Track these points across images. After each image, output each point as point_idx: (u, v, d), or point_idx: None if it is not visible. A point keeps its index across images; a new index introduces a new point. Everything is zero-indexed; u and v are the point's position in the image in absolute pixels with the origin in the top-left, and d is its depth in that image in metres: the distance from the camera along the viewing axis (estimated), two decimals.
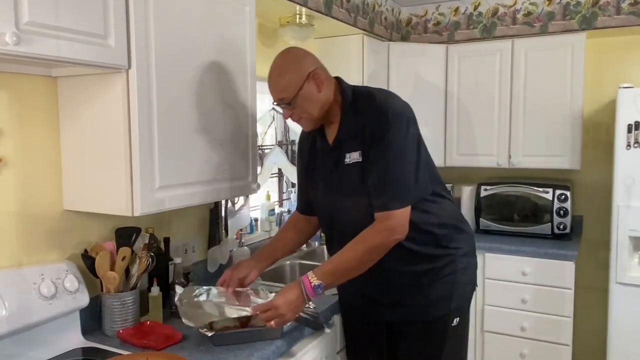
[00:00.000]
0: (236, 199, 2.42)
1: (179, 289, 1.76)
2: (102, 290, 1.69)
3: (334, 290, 1.93)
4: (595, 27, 3.06)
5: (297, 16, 2.61)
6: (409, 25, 3.67)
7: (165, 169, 1.59)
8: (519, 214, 3.20)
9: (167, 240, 1.99)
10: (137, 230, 1.76)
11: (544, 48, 3.08)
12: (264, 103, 2.59)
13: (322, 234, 2.58)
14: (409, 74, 3.28)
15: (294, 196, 3.02)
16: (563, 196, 3.05)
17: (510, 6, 3.31)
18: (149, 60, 1.51)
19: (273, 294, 1.67)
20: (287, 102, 1.63)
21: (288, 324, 1.63)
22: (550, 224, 3.08)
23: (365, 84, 2.97)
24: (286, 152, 2.99)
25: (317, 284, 1.56)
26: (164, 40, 1.56)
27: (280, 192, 3.15)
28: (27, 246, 1.58)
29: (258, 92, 2.00)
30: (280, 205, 3.09)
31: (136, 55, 1.47)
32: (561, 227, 3.05)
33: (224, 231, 2.33)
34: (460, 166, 3.42)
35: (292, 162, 2.98)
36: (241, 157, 1.93)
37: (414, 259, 1.69)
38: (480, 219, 3.26)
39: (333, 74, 1.75)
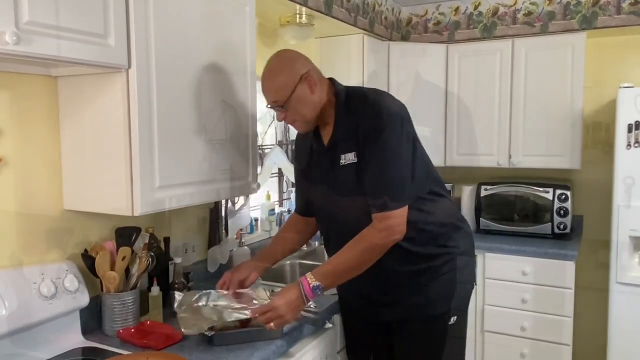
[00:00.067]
0: (236, 199, 2.41)
1: (178, 295, 1.75)
2: (102, 290, 1.69)
3: (334, 290, 1.93)
4: (595, 27, 3.06)
5: (297, 16, 2.61)
6: (409, 25, 3.67)
7: (165, 169, 1.59)
8: (519, 214, 3.19)
9: (167, 240, 1.98)
10: (137, 230, 1.75)
11: (544, 48, 3.07)
12: (264, 103, 2.58)
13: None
14: (409, 73, 3.28)
15: (293, 196, 3.01)
16: (563, 196, 3.05)
17: (511, 6, 3.31)
18: (149, 60, 1.51)
19: (276, 290, 1.67)
20: (281, 105, 1.63)
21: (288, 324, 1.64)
22: (550, 223, 3.08)
23: (365, 84, 2.98)
24: (286, 152, 2.98)
25: (316, 285, 1.56)
26: (164, 39, 1.56)
27: (281, 191, 3.15)
28: (27, 246, 1.58)
29: (258, 92, 2.00)
30: (281, 205, 3.09)
31: (136, 55, 1.47)
32: (561, 226, 3.05)
33: (224, 231, 2.33)
34: (460, 166, 3.42)
35: (292, 162, 2.97)
36: (241, 156, 1.93)
37: (412, 258, 1.68)
38: (481, 218, 3.26)
39: (333, 74, 1.75)
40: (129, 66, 1.47)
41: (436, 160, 1.84)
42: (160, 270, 1.87)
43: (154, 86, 1.53)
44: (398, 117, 1.60)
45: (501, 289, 3.00)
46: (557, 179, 3.24)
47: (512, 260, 2.96)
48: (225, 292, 1.75)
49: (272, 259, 1.90)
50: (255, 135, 2.02)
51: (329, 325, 1.80)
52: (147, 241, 1.85)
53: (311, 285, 1.56)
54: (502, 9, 3.34)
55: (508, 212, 3.22)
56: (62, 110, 1.63)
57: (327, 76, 1.74)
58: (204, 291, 1.75)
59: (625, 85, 2.68)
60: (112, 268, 1.66)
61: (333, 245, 1.72)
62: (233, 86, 1.86)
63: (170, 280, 1.93)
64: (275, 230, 2.79)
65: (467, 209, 3.33)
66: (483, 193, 3.26)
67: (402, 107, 1.65)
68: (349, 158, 1.64)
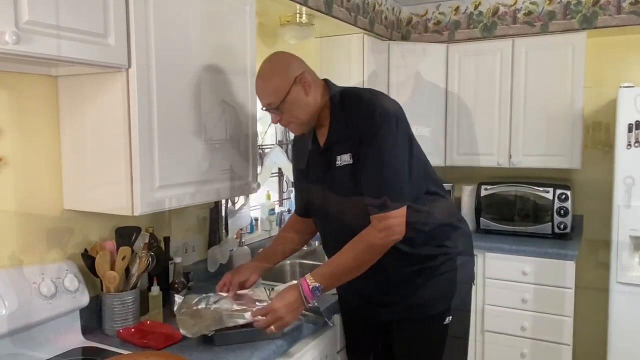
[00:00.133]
0: (236, 199, 2.41)
1: (178, 298, 1.75)
2: (102, 290, 1.69)
3: (334, 290, 1.93)
4: (595, 27, 3.06)
5: (298, 15, 2.61)
6: (410, 25, 3.66)
7: (166, 169, 1.59)
8: (519, 214, 3.19)
9: (167, 240, 1.98)
10: (137, 230, 1.75)
11: (545, 47, 3.07)
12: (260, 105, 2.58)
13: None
14: (410, 73, 3.28)
15: (293, 195, 3.01)
16: (563, 196, 3.05)
17: (511, 5, 3.31)
18: (149, 60, 1.51)
19: (276, 288, 1.66)
20: (275, 107, 1.62)
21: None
22: (550, 223, 3.08)
23: (365, 84, 2.98)
24: (286, 152, 2.98)
25: (315, 286, 1.55)
26: (164, 39, 1.56)
27: (281, 191, 3.15)
28: (27, 246, 1.58)
29: None
30: (281, 204, 3.09)
31: (136, 55, 1.47)
32: (561, 226, 3.05)
33: (224, 231, 2.33)
34: (460, 166, 3.41)
35: (291, 163, 2.97)
36: (241, 156, 1.93)
37: (410, 258, 1.68)
38: (481, 218, 3.26)
39: (333, 74, 1.74)
40: (129, 66, 1.47)
41: (436, 160, 1.84)
42: (160, 270, 1.87)
43: (154, 86, 1.53)
44: (393, 117, 1.58)
45: (501, 289, 3.00)
46: (557, 179, 3.24)
47: (512, 260, 2.96)
48: (225, 294, 1.75)
49: (273, 260, 1.90)
50: (255, 135, 2.02)
51: (331, 324, 1.80)
52: (147, 241, 1.85)
53: (310, 286, 1.55)
54: (502, 9, 3.34)
55: (508, 212, 3.22)
56: (62, 110, 1.63)
57: (327, 76, 1.74)
58: (203, 295, 1.75)
59: (626, 85, 2.68)
60: (112, 268, 1.66)
61: (331, 246, 1.71)
62: (233, 86, 1.86)
63: (171, 280, 1.93)
64: (275, 230, 2.79)
65: (467, 209, 3.33)
66: (483, 193, 3.26)
67: (397, 107, 1.63)
68: (344, 159, 1.63)
